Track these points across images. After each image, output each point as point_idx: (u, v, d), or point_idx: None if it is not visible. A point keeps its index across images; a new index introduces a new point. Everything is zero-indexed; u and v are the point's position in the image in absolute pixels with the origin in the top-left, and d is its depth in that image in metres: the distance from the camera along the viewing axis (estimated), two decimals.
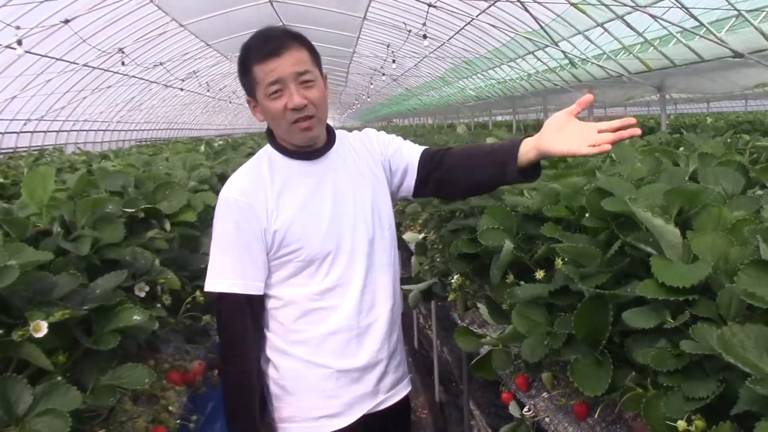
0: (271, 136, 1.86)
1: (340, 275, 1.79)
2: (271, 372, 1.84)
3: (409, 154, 1.95)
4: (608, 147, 1.59)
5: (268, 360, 1.84)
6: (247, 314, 1.76)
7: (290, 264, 1.77)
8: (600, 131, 1.61)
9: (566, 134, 1.66)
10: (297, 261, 1.76)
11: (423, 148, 1.98)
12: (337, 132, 1.93)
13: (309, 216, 1.77)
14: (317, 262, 1.77)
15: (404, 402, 1.97)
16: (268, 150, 1.87)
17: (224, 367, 1.80)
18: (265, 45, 1.73)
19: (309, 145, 1.81)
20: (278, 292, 1.80)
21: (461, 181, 1.91)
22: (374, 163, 1.93)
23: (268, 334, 1.83)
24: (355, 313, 1.81)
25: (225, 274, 1.75)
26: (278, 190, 1.77)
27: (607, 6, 9.58)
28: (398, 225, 3.95)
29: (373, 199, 1.88)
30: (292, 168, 1.81)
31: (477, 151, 1.90)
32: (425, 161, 1.93)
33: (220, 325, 1.80)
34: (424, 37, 14.36)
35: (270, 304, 1.82)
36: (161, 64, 18.54)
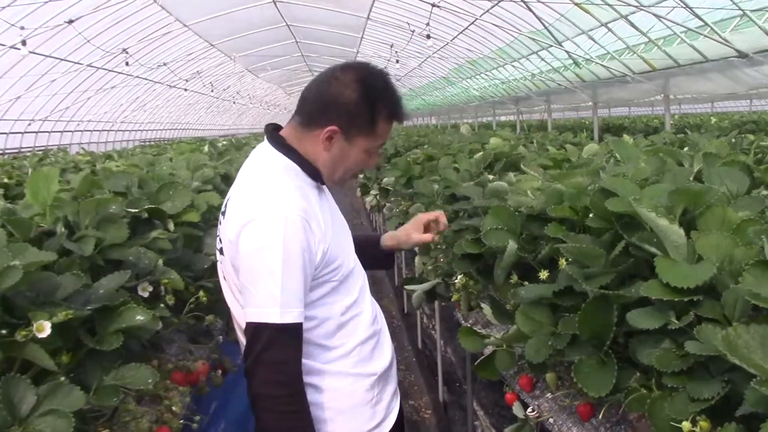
0: (290, 150, 1.74)
1: (358, 287, 1.82)
2: (314, 397, 1.70)
3: None
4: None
5: (307, 388, 1.69)
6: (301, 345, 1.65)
7: (326, 284, 1.70)
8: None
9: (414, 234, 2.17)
10: (333, 280, 1.71)
11: None
12: None
13: (339, 233, 1.78)
14: (347, 279, 1.76)
15: None
16: (288, 163, 1.73)
17: (281, 407, 1.59)
18: (401, 109, 1.76)
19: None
20: (313, 313, 1.69)
21: None
22: None
23: (306, 361, 1.69)
24: (373, 318, 1.86)
25: (294, 302, 1.59)
26: (319, 208, 1.70)
27: (611, 6, 9.56)
28: (402, 225, 3.95)
29: None
30: (313, 185, 1.76)
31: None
32: None
33: (272, 360, 1.57)
34: (428, 37, 14.32)
35: (306, 326, 1.67)
36: (165, 64, 18.54)
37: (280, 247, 1.57)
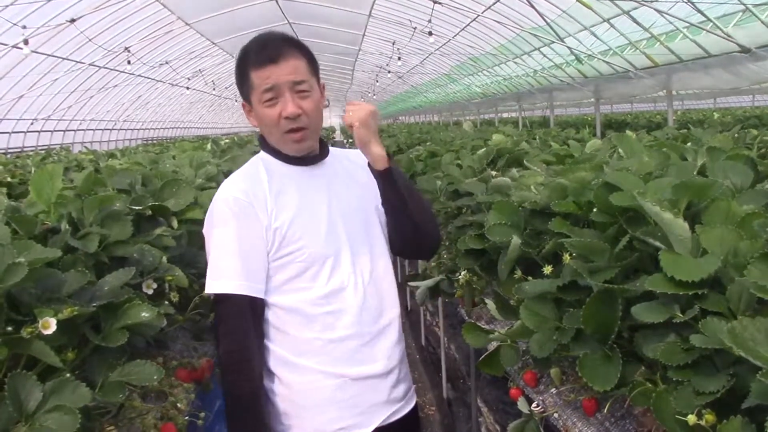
0: (264, 143, 1.87)
1: (342, 279, 1.78)
2: (279, 389, 1.78)
3: None
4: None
5: (273, 376, 1.78)
6: (250, 318, 1.72)
7: (291, 265, 1.75)
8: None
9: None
10: (298, 261, 1.74)
11: None
12: (331, 150, 1.94)
13: (308, 217, 1.77)
14: (318, 264, 1.76)
15: (414, 413, 1.94)
16: (260, 155, 1.87)
17: (227, 376, 1.71)
18: (263, 51, 1.74)
19: (301, 155, 1.83)
20: (279, 299, 1.76)
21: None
22: (369, 176, 1.90)
23: (273, 347, 1.78)
24: (363, 319, 1.80)
25: (227, 274, 1.71)
26: (276, 191, 1.77)
27: (612, 1, 9.55)
28: None
29: (370, 207, 1.90)
30: (286, 172, 1.83)
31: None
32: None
33: (221, 331, 1.72)
34: (430, 34, 14.34)
35: (272, 312, 1.77)
36: (167, 62, 18.58)
37: (214, 225, 1.75)
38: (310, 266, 1.75)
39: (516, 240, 1.97)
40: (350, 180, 1.90)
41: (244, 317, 1.71)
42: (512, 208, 2.10)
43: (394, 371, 1.86)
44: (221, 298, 1.71)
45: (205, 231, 1.80)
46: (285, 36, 1.80)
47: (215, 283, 1.72)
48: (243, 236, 1.72)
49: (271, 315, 1.78)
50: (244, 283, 1.71)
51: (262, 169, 1.81)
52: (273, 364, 1.78)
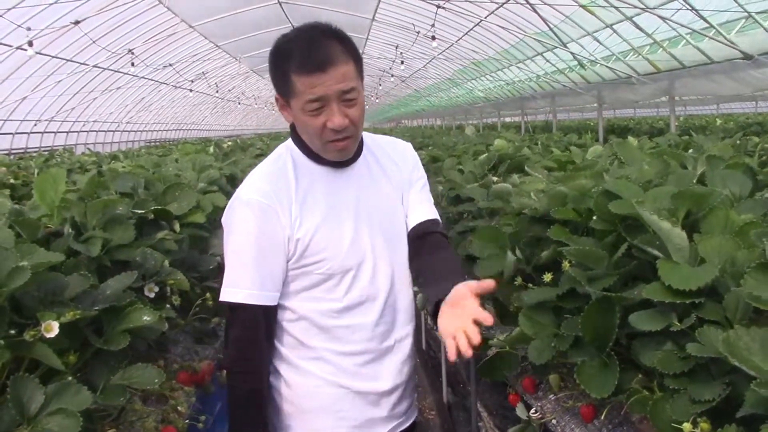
0: (296, 136, 1.73)
1: (361, 293, 1.70)
2: (282, 387, 1.74)
3: (413, 211, 1.83)
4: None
5: (278, 375, 1.75)
6: (261, 327, 1.65)
7: (310, 275, 1.67)
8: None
9: (453, 313, 1.56)
10: (317, 273, 1.67)
11: (421, 218, 1.83)
12: (364, 135, 1.80)
13: (332, 227, 1.66)
14: (338, 277, 1.68)
15: (411, 428, 1.89)
16: (290, 148, 1.74)
17: (232, 382, 1.66)
18: (309, 55, 1.55)
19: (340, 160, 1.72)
20: (293, 305, 1.70)
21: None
22: (400, 178, 1.82)
23: (281, 348, 1.74)
24: (375, 335, 1.73)
25: (242, 283, 1.63)
26: (303, 194, 1.66)
27: (616, 7, 9.55)
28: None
29: (396, 214, 1.80)
30: (316, 173, 1.70)
31: (433, 265, 1.76)
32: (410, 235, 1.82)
33: (230, 337, 1.66)
34: (433, 38, 14.36)
35: (284, 316, 1.72)
36: (170, 65, 18.60)
37: (232, 228, 1.65)
38: (328, 279, 1.68)
39: (510, 256, 1.97)
40: (381, 175, 1.79)
41: (255, 326, 1.66)
42: (494, 231, 2.09)
43: (399, 388, 1.79)
44: (234, 306, 1.64)
45: (223, 221, 1.69)
46: (333, 33, 1.63)
47: (230, 291, 1.64)
48: (262, 243, 1.62)
49: (284, 317, 1.72)
50: (258, 293, 1.64)
51: (289, 166, 1.69)
52: (278, 362, 1.75)
